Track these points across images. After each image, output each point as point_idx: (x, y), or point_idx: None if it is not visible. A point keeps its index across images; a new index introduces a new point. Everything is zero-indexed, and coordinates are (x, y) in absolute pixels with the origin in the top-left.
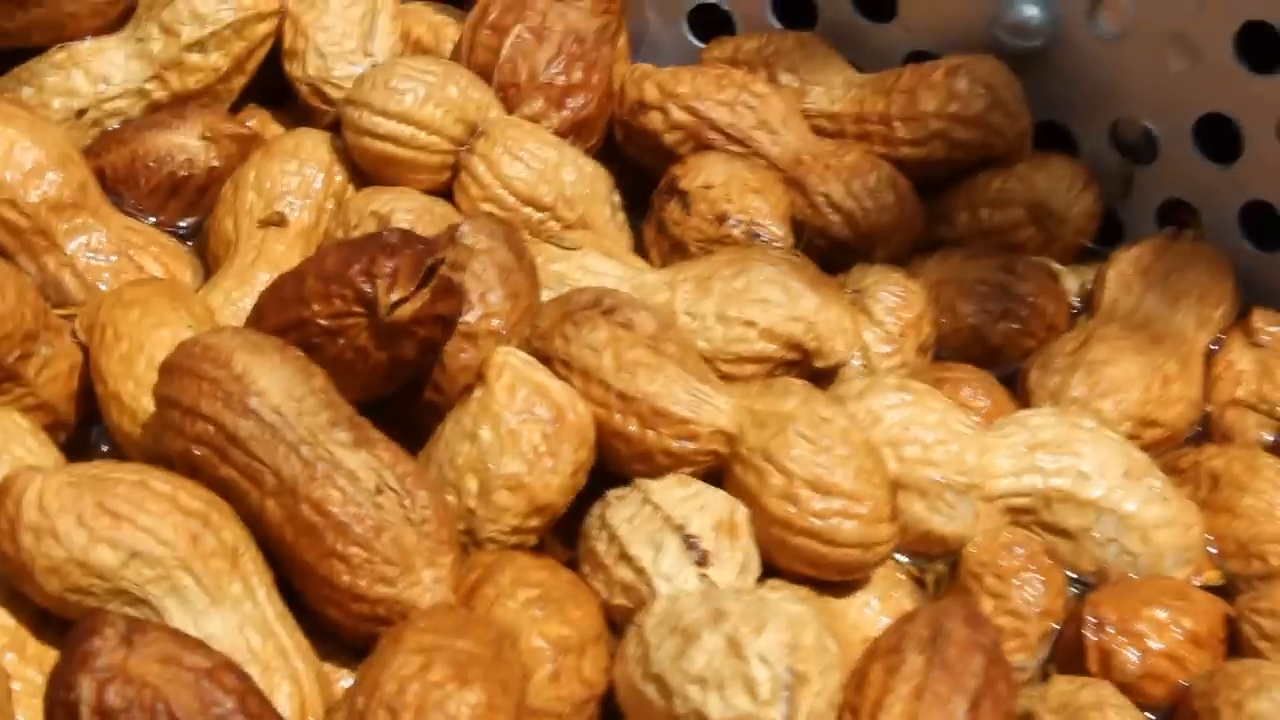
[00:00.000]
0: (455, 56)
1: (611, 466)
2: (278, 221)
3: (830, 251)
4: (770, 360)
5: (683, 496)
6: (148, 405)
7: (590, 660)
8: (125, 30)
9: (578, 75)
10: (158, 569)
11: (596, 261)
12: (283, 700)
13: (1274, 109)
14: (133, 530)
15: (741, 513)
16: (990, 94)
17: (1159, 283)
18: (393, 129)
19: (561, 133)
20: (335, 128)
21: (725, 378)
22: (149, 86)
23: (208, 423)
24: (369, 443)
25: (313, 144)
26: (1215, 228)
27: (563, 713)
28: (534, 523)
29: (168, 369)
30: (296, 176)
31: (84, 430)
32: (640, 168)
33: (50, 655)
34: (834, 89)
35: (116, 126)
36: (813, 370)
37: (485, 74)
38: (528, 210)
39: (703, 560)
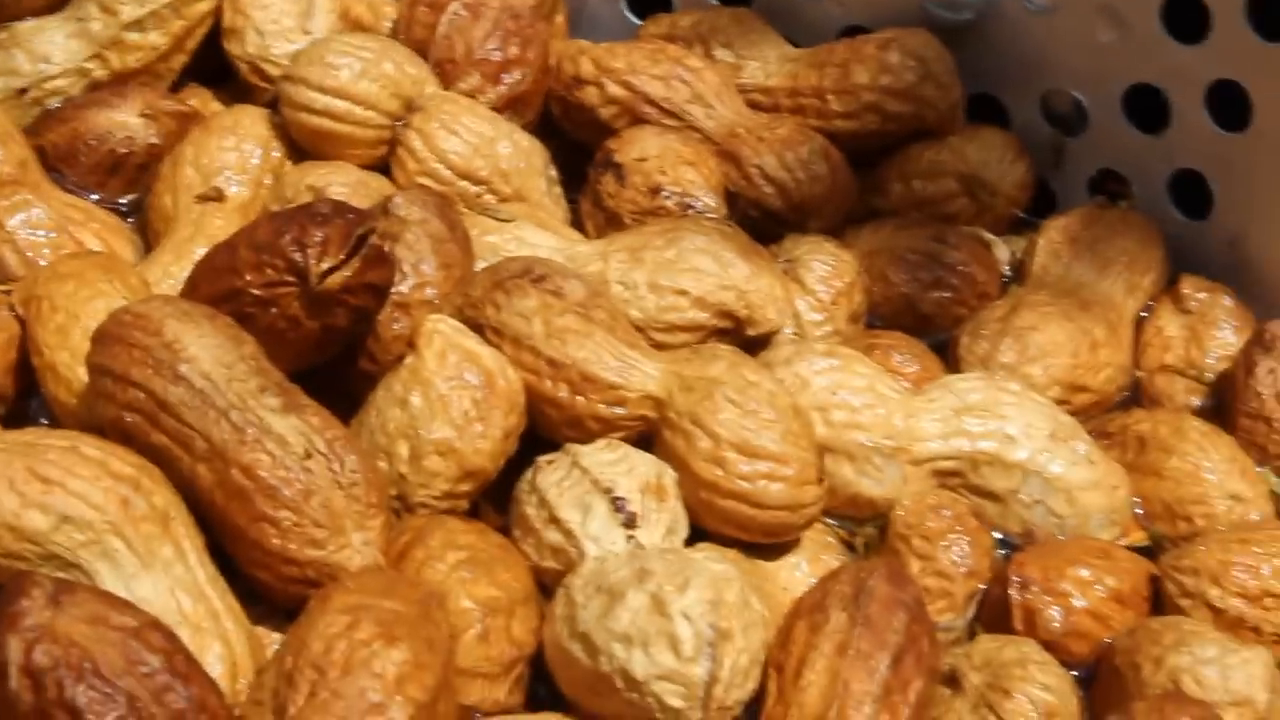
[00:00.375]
0: (393, 34)
1: (543, 432)
2: (215, 197)
3: (764, 223)
4: (703, 329)
5: (611, 460)
6: (83, 375)
7: (519, 621)
8: (66, 10)
9: (513, 51)
10: (88, 533)
11: (530, 233)
12: (213, 661)
13: (1201, 79)
14: (63, 495)
15: (669, 476)
16: (922, 66)
17: (1087, 250)
18: (329, 104)
19: (498, 108)
20: (275, 105)
21: (658, 346)
22: (89, 65)
23: (139, 389)
24: (298, 408)
25: (251, 120)
26: (1145, 197)
27: (492, 673)
28: (465, 487)
29: (99, 337)
30: (234, 152)
31: (23, 403)
32: (577, 142)
33: None
34: (769, 63)
35: (58, 105)
36: (745, 339)
37: (422, 50)
38: (464, 184)
39: (630, 522)
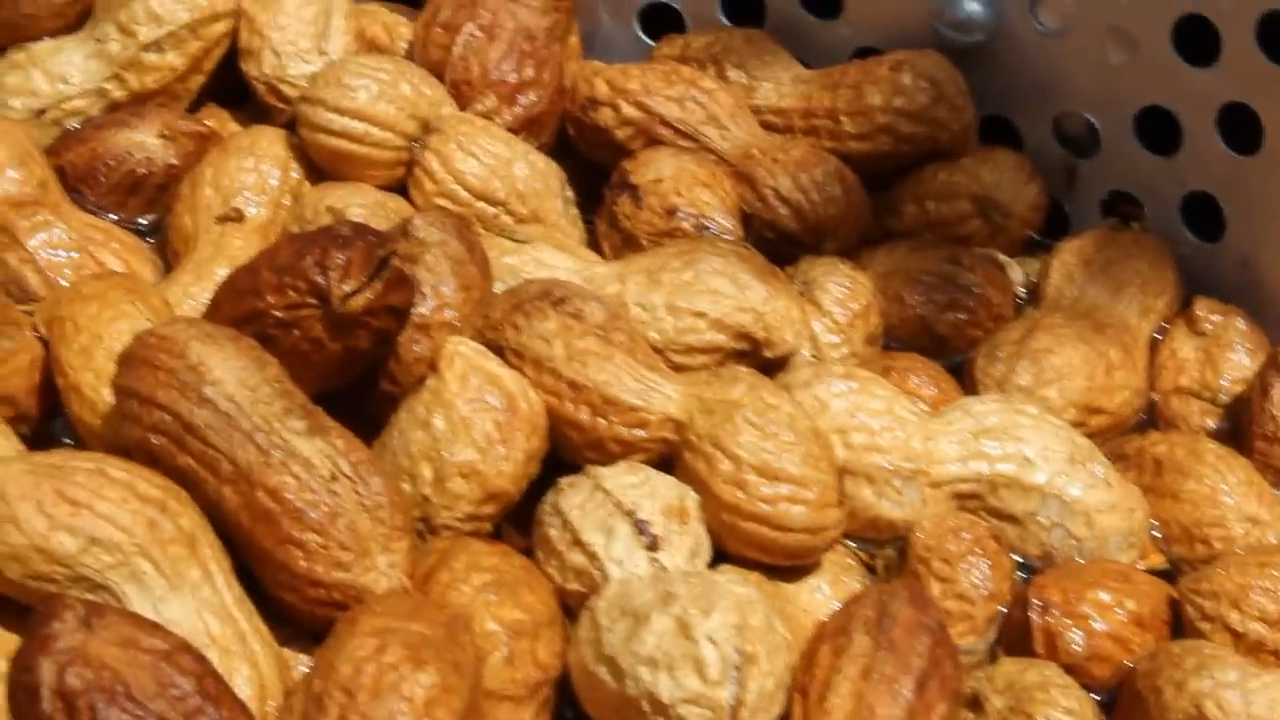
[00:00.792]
0: (409, 55)
1: (564, 454)
2: (235, 218)
3: (779, 244)
4: (720, 350)
5: (633, 483)
6: (107, 396)
7: (544, 644)
8: (84, 31)
9: (529, 72)
10: (116, 555)
11: (548, 255)
12: (241, 683)
13: (1212, 102)
14: (91, 517)
15: (691, 498)
16: (935, 88)
17: (1101, 272)
18: (347, 125)
19: (514, 129)
20: (292, 126)
21: (676, 368)
22: (108, 86)
23: (164, 412)
24: (323, 430)
25: (269, 141)
26: (1157, 218)
27: (518, 695)
28: (488, 510)
29: (125, 360)
30: (253, 173)
31: (47, 423)
32: (592, 163)
33: (13, 641)
34: (782, 85)
35: (76, 126)
36: (762, 360)
37: (438, 71)
38: (481, 205)
39: (653, 545)
